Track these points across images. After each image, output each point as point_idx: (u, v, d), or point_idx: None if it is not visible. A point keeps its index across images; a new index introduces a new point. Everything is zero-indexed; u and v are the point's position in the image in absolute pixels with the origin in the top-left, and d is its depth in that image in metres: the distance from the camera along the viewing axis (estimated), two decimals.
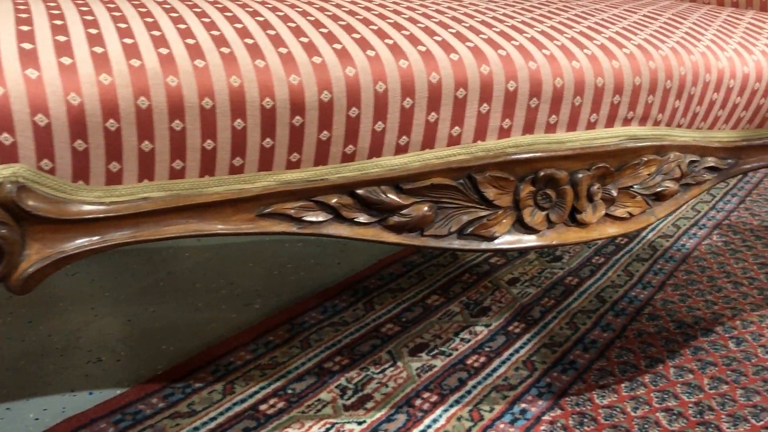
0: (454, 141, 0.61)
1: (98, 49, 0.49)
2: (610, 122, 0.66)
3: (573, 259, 1.18)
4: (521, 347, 0.91)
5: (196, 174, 0.55)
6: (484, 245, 0.64)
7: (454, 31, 0.62)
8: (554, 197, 0.65)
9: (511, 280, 1.09)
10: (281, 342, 0.90)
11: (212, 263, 1.14)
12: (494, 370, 0.85)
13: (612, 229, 0.69)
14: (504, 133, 0.62)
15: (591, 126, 0.66)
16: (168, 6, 0.60)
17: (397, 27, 0.61)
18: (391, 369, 0.85)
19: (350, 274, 1.11)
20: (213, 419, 0.75)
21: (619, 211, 0.69)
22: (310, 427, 0.74)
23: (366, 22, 0.62)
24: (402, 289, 1.05)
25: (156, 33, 0.54)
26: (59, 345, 0.89)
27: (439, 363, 0.87)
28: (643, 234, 1.30)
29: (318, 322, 0.95)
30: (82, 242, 0.52)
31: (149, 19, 0.56)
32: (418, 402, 0.79)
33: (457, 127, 0.61)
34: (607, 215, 0.69)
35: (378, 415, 0.77)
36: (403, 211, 0.61)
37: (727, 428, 0.76)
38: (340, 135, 0.57)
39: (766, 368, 0.87)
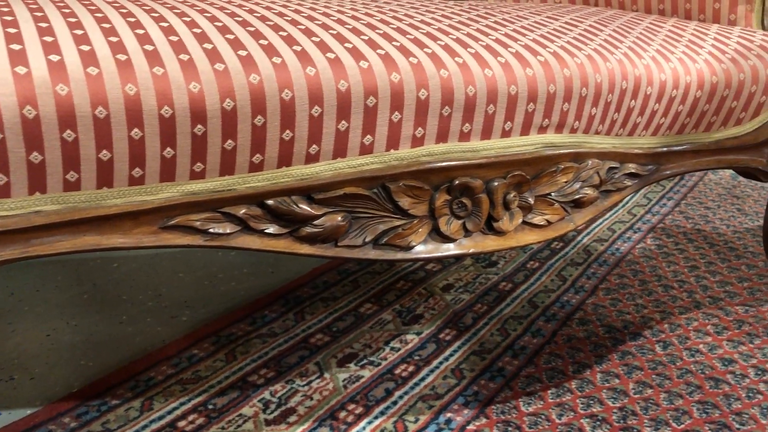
0: (366, 150, 0.60)
1: None
2: (525, 130, 0.66)
3: (508, 265, 1.18)
4: (451, 355, 0.90)
5: (93, 186, 0.53)
6: (400, 255, 0.63)
7: (366, 38, 0.61)
8: (470, 206, 0.64)
9: (445, 287, 1.09)
10: (206, 355, 0.88)
11: (141, 274, 1.11)
12: (422, 379, 0.85)
13: (530, 237, 0.69)
14: (417, 141, 0.61)
15: (506, 134, 0.65)
16: (68, 10, 0.58)
17: (308, 33, 0.60)
18: (318, 381, 0.84)
19: (283, 283, 1.09)
20: None
21: (537, 219, 0.69)
22: None
23: (276, 28, 0.60)
24: (335, 298, 1.04)
25: (48, 39, 0.51)
26: None
27: (367, 373, 0.86)
28: (579, 238, 1.31)
29: (246, 334, 0.93)
30: None
31: (43, 24, 0.53)
32: (342, 414, 0.78)
33: (369, 136, 0.60)
34: (525, 223, 0.69)
35: (300, 429, 0.75)
36: (316, 222, 0.59)
37: None
38: (246, 144, 0.56)
39: (690, 371, 0.89)
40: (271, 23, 0.62)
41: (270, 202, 0.58)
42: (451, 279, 1.12)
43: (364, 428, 0.75)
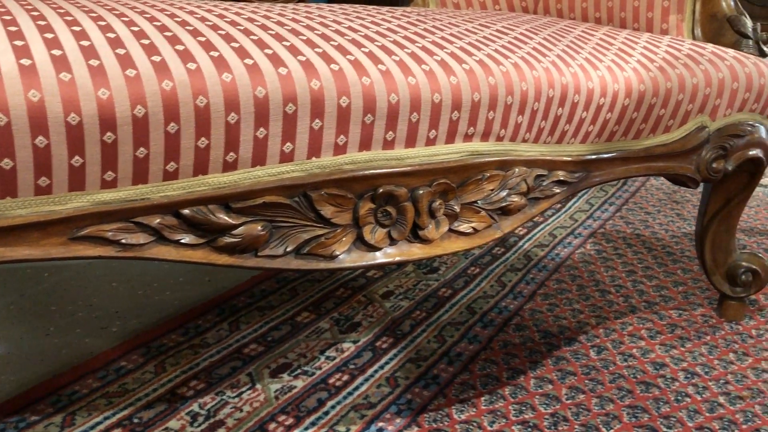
0: (286, 158, 0.59)
1: None
2: (450, 138, 0.66)
3: (449, 271, 1.18)
4: (386, 363, 0.90)
5: None
6: (323, 264, 0.62)
7: (288, 44, 0.60)
8: (395, 214, 0.64)
9: (385, 294, 1.08)
10: (134, 367, 0.85)
11: (72, 283, 1.08)
12: (356, 388, 0.84)
13: (457, 245, 0.69)
14: (339, 149, 0.61)
15: (431, 142, 0.65)
16: None
17: (228, 39, 0.59)
18: (249, 392, 0.82)
19: (220, 291, 1.07)
20: None
21: (464, 227, 0.69)
22: None
23: (195, 33, 0.59)
24: (272, 307, 1.02)
25: None
26: None
27: (300, 383, 0.84)
28: (520, 243, 1.32)
29: (177, 345, 0.91)
30: None
31: None
32: (272, 426, 0.76)
33: (289, 144, 0.59)
34: (451, 231, 0.68)
35: None
36: (234, 231, 0.58)
37: None
38: (159, 152, 0.54)
39: (622, 376, 0.90)
40: (191, 28, 0.60)
41: (186, 211, 0.57)
42: (392, 286, 1.11)
43: None
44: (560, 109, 0.75)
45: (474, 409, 0.81)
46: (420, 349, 0.93)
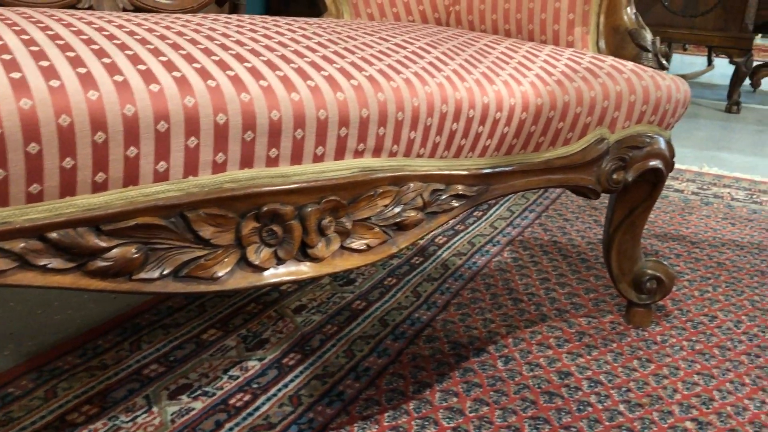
0: (161, 177, 0.57)
1: None
2: (339, 155, 0.65)
3: (366, 282, 1.17)
4: (291, 381, 0.88)
5: None
6: (204, 287, 0.60)
7: (165, 59, 0.58)
8: (281, 233, 0.62)
9: (298, 308, 1.07)
10: (22, 394, 0.81)
11: None
12: (257, 408, 0.82)
13: (350, 262, 0.68)
14: (219, 167, 0.59)
15: (318, 159, 0.64)
16: None
17: (100, 54, 0.56)
18: (144, 415, 0.79)
19: (125, 309, 1.03)
20: None
21: (357, 244, 0.68)
22: None
23: (65, 48, 0.56)
24: (177, 325, 0.99)
25: None
26: None
27: (199, 405, 0.82)
28: (439, 253, 1.32)
29: (72, 368, 0.87)
30: None
31: None
32: None
33: (163, 162, 0.56)
34: (343, 248, 0.67)
35: None
36: (106, 255, 0.56)
37: None
38: (20, 174, 0.51)
39: (527, 386, 0.90)
40: (62, 42, 0.58)
41: (52, 235, 0.54)
42: (305, 299, 1.10)
43: None
44: (455, 124, 0.74)
45: (376, 426, 0.80)
46: (328, 365, 0.92)
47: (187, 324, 1.00)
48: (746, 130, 2.76)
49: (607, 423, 0.84)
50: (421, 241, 1.37)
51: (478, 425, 0.82)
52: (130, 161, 0.55)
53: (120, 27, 0.65)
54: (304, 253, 0.65)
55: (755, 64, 3.96)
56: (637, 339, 1.04)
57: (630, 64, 0.94)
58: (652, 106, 0.93)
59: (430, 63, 0.77)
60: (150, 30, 0.66)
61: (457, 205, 0.79)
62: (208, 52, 0.62)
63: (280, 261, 0.63)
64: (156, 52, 0.59)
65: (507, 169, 0.84)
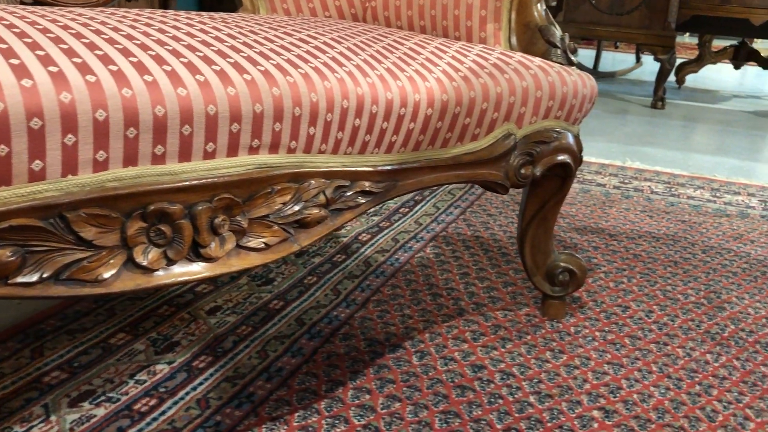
0: (37, 176, 0.54)
1: None
2: (232, 151, 0.64)
3: (285, 281, 1.16)
4: (200, 384, 0.86)
5: None
6: (88, 290, 0.58)
7: (42, 53, 0.56)
8: (169, 233, 0.61)
9: (212, 309, 1.05)
10: None
11: None
12: (162, 413, 0.80)
13: (247, 261, 0.67)
14: (100, 166, 0.57)
15: (209, 156, 0.62)
16: None
17: None
18: (42, 425, 0.76)
19: (29, 314, 0.99)
20: None
21: (254, 242, 0.67)
22: None
23: None
24: (84, 330, 0.96)
25: None
26: None
27: (101, 411, 0.79)
28: (362, 250, 1.32)
29: None
30: None
31: None
32: None
33: (38, 161, 0.54)
34: (240, 247, 0.66)
35: None
36: None
37: None
38: None
39: (440, 381, 0.91)
40: None
41: None
42: (221, 300, 1.08)
43: None
44: (358, 119, 0.74)
45: (285, 427, 0.79)
46: (239, 366, 0.90)
47: (95, 328, 0.96)
48: (670, 125, 2.85)
49: (516, 415, 0.85)
50: (345, 239, 1.36)
51: (389, 422, 0.81)
52: (1, 160, 0.52)
53: (0, 20, 0.62)
54: (196, 253, 0.63)
55: (680, 61, 4.11)
56: (551, 331, 1.06)
57: (537, 60, 0.96)
58: (558, 101, 0.94)
59: (333, 58, 0.76)
60: (33, 23, 0.63)
61: (363, 201, 0.78)
62: (92, 46, 0.60)
63: (171, 262, 0.62)
64: (34, 46, 0.57)
65: (414, 165, 0.83)
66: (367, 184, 0.78)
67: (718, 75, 4.62)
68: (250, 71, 0.65)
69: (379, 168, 0.79)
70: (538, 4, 1.04)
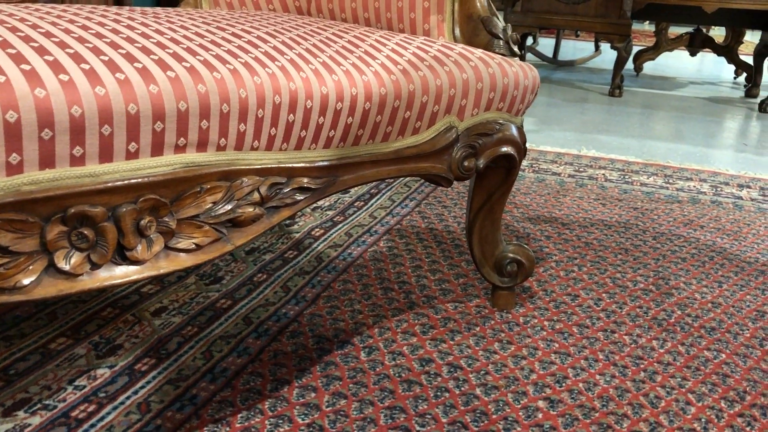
0: None
1: None
2: (156, 150, 0.62)
3: (234, 279, 1.14)
4: (142, 387, 0.84)
5: None
6: (6, 297, 0.56)
7: None
8: (92, 236, 0.59)
9: (158, 310, 1.03)
10: None
11: None
12: (101, 419, 0.78)
13: (177, 262, 0.65)
14: (14, 169, 0.55)
15: (132, 156, 0.61)
16: None
17: None
18: None
19: None
20: None
21: (184, 243, 0.65)
22: None
23: None
24: (23, 335, 0.94)
25: None
26: None
27: (37, 420, 0.77)
28: (315, 245, 1.31)
29: None
30: None
31: None
32: None
33: None
34: (169, 248, 0.65)
35: None
36: None
37: None
38: None
39: (387, 376, 0.90)
40: None
41: None
42: (166, 301, 1.06)
43: None
44: (291, 115, 0.73)
45: (228, 428, 0.78)
46: (183, 368, 0.89)
47: (34, 333, 0.94)
48: (627, 113, 2.88)
49: (462, 408, 0.85)
50: (297, 234, 1.35)
51: (334, 419, 0.81)
52: None
53: None
54: (122, 256, 0.61)
55: (638, 49, 4.16)
56: (500, 321, 1.06)
57: (479, 52, 0.95)
58: (499, 93, 0.94)
59: (265, 53, 0.75)
60: None
61: (301, 198, 0.77)
62: (4, 44, 0.58)
63: (95, 266, 0.60)
64: None
65: (355, 159, 0.83)
66: (305, 180, 0.77)
67: (676, 62, 4.69)
68: (175, 68, 0.63)
69: (318, 164, 0.78)
70: None
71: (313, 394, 0.85)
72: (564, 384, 0.91)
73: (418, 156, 0.89)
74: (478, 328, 1.04)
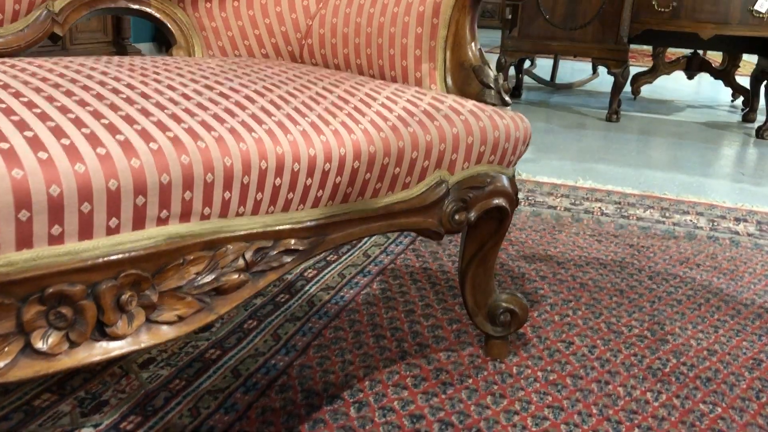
0: None
1: None
2: (138, 224, 0.61)
3: (224, 327, 1.13)
4: None
5: None
6: None
7: None
8: (70, 315, 0.58)
9: (146, 362, 1.01)
10: None
11: None
12: None
13: (159, 336, 0.64)
14: None
15: (113, 231, 0.60)
16: None
17: None
18: None
19: None
20: None
21: (166, 316, 0.64)
22: None
23: None
24: (6, 392, 0.92)
25: None
26: None
27: None
28: (307, 287, 1.29)
29: None
30: None
31: None
32: None
33: None
34: (150, 321, 0.63)
35: None
36: None
37: None
38: None
39: None
40: None
41: None
42: (155, 352, 1.04)
43: None
44: (278, 179, 0.72)
45: None
46: (169, 426, 0.88)
47: (18, 390, 0.93)
48: (623, 139, 2.88)
49: None
50: (289, 276, 1.34)
51: None
52: None
53: None
54: (102, 333, 0.60)
55: (636, 72, 4.16)
56: (493, 372, 1.05)
57: (470, 104, 0.95)
58: (490, 146, 0.93)
59: (253, 115, 0.74)
60: None
61: (288, 260, 0.76)
62: None
63: (74, 344, 0.59)
64: None
65: (344, 217, 0.82)
66: (292, 242, 0.76)
67: (674, 84, 4.70)
68: (158, 139, 0.62)
69: (306, 224, 0.77)
70: (472, 44, 1.03)
71: None
72: None
73: (408, 211, 0.88)
74: (470, 380, 1.02)
